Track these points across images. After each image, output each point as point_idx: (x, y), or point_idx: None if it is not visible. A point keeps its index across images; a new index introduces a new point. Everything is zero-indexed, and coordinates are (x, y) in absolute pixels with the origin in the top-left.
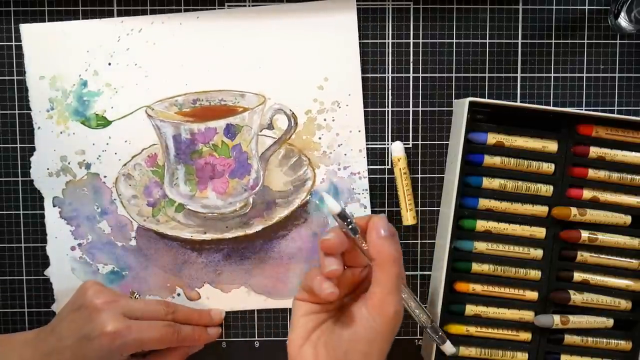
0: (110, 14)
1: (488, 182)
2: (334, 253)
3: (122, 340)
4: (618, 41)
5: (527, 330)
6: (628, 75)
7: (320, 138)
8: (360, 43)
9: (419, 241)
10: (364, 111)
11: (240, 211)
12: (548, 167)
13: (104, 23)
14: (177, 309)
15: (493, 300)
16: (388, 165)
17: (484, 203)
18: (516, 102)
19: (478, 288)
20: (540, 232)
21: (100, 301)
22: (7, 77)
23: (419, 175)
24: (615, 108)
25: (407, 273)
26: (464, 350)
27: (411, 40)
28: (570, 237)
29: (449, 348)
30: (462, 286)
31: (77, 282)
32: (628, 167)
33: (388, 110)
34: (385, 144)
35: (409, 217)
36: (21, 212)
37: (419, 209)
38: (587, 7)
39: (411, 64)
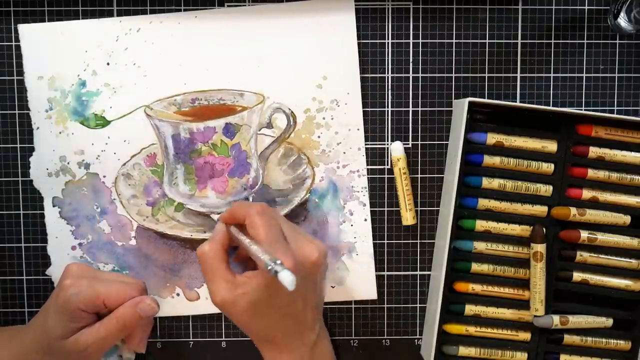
0: (110, 14)
1: (487, 182)
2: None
3: (77, 288)
4: (617, 41)
5: (526, 330)
6: (627, 75)
7: (319, 136)
8: (359, 43)
9: (418, 241)
10: (364, 111)
11: None
12: (547, 167)
13: (102, 23)
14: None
15: (493, 300)
16: (387, 165)
17: (484, 203)
18: (516, 102)
19: (478, 288)
20: None
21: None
22: (7, 77)
23: (419, 175)
24: (615, 108)
25: (407, 273)
26: (464, 350)
27: (411, 40)
28: (570, 237)
29: (286, 277)
30: (461, 286)
31: None
32: (627, 167)
33: (387, 110)
34: (384, 144)
35: (408, 217)
36: (21, 212)
37: (419, 209)
38: (586, 7)
39: (411, 64)
